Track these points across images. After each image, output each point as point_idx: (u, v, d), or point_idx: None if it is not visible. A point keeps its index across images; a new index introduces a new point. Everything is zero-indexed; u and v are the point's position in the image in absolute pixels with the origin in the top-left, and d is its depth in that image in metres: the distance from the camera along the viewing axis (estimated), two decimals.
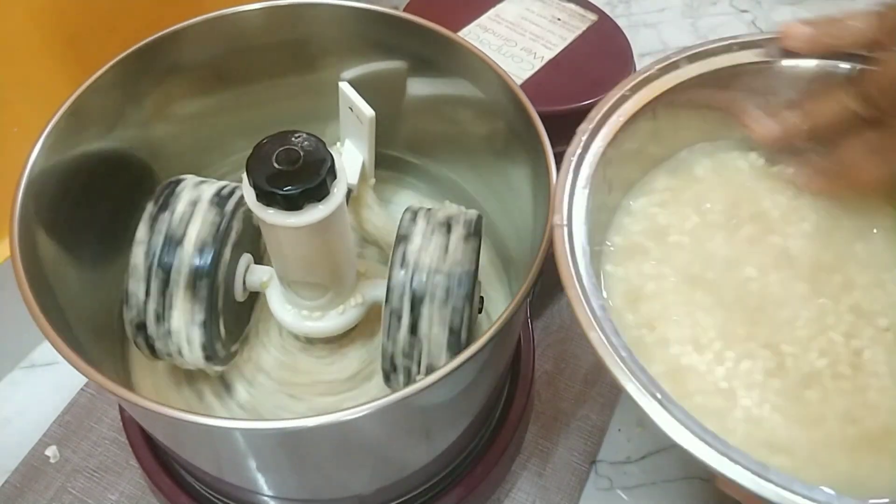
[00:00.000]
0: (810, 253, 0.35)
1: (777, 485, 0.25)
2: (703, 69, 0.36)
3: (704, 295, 0.34)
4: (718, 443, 0.26)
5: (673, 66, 0.36)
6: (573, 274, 0.30)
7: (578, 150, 0.33)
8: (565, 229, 0.31)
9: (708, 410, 0.31)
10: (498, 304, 0.46)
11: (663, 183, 0.37)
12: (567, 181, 0.33)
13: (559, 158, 0.35)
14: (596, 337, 0.28)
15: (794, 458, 0.30)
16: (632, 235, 0.36)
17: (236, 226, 0.37)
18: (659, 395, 0.27)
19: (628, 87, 0.35)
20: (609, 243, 0.35)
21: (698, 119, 0.37)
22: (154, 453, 0.43)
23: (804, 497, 0.25)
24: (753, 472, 0.25)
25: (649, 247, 0.35)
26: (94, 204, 0.39)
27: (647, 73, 0.35)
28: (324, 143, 0.32)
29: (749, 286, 0.34)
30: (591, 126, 0.34)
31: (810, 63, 0.36)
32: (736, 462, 0.26)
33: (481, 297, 0.39)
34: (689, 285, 0.34)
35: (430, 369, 0.36)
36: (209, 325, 0.37)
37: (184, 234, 0.36)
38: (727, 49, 0.36)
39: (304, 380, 0.42)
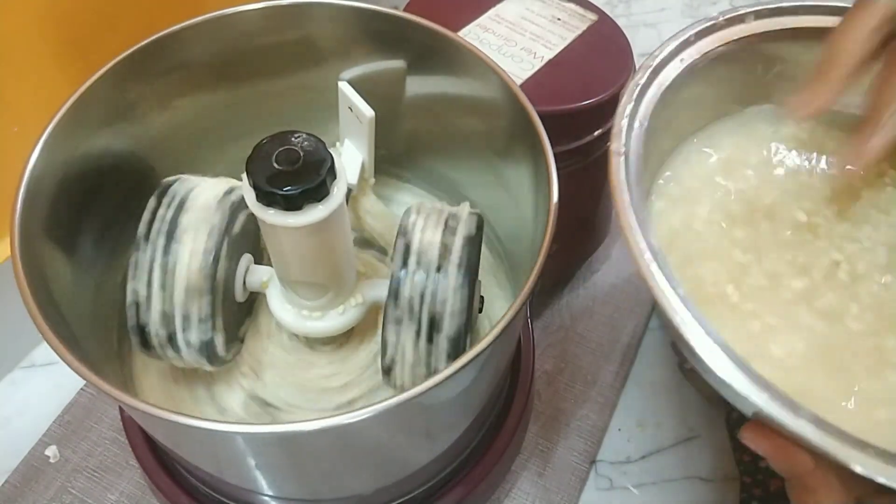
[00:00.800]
0: None
1: (826, 432, 0.25)
2: (767, 27, 0.36)
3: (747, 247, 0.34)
4: (771, 390, 0.26)
5: (739, 20, 0.36)
6: (628, 202, 0.30)
7: (639, 86, 0.33)
8: (622, 158, 0.31)
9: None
10: (498, 304, 0.46)
11: (724, 136, 0.38)
12: (626, 112, 0.32)
13: (559, 158, 0.35)
14: (647, 269, 0.28)
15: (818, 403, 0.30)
16: (683, 180, 0.36)
17: (236, 226, 0.37)
18: (713, 338, 0.27)
19: (693, 32, 0.35)
20: (661, 183, 0.36)
21: (758, 78, 0.38)
22: (154, 453, 0.43)
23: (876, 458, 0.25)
24: (791, 412, 0.25)
25: (699, 192, 0.35)
26: (94, 203, 0.39)
27: (714, 22, 0.35)
28: (324, 143, 0.32)
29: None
30: (654, 63, 0.34)
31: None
32: (787, 408, 0.26)
33: (481, 297, 0.39)
34: (735, 239, 0.35)
35: (431, 370, 0.36)
36: (209, 326, 0.37)
37: (183, 234, 0.36)
38: (794, 11, 0.36)
39: (304, 380, 0.42)
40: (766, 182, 0.36)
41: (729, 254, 0.34)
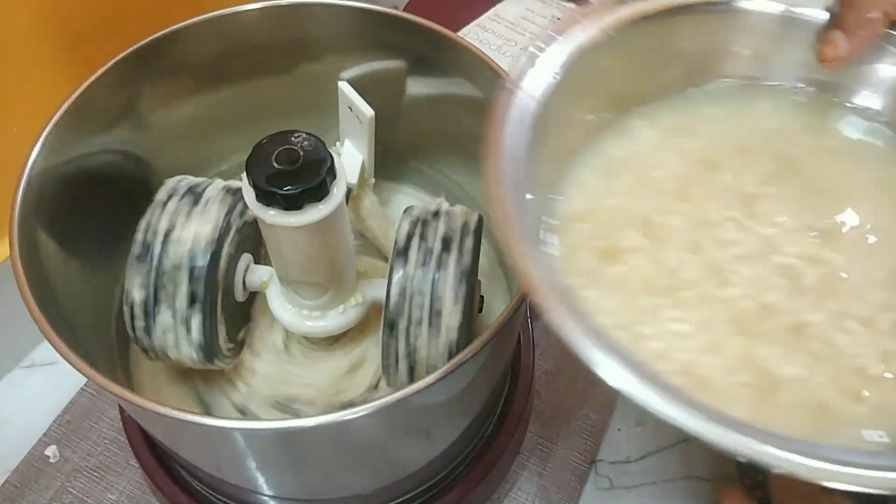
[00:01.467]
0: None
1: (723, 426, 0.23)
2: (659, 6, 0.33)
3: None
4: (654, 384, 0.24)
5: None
6: (500, 145, 0.26)
7: (554, 38, 0.31)
8: (511, 93, 0.27)
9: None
10: (498, 304, 0.46)
11: (661, 112, 0.36)
12: (529, 55, 0.29)
13: None
14: (503, 218, 0.24)
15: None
16: (611, 153, 0.34)
17: (236, 226, 0.37)
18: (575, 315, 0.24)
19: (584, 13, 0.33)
20: (587, 154, 0.33)
21: (671, 60, 0.36)
22: (154, 453, 0.43)
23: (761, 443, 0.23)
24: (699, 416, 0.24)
25: (629, 167, 0.34)
26: (94, 203, 0.39)
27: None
28: (323, 143, 0.32)
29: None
30: (572, 26, 0.32)
31: (773, 8, 0.34)
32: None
33: (481, 297, 0.40)
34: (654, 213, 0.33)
35: (431, 369, 0.36)
36: (208, 325, 0.37)
37: (184, 234, 0.36)
38: None
39: (303, 379, 0.42)
40: (698, 161, 0.34)
41: (652, 230, 0.32)
